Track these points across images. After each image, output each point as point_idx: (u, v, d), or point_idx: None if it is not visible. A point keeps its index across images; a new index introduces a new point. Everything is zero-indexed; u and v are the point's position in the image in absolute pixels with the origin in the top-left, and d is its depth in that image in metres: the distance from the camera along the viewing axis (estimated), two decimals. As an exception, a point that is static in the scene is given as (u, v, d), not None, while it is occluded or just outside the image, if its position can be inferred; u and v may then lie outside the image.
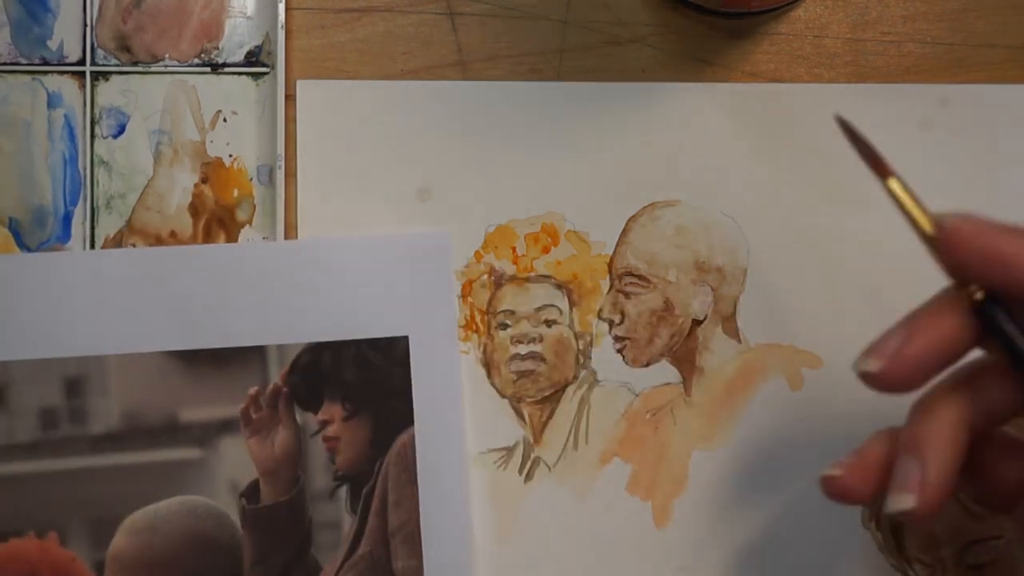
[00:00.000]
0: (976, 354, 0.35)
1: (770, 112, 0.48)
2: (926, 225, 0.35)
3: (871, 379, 0.34)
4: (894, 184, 0.36)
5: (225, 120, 0.47)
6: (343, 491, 0.45)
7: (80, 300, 0.44)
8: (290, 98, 0.47)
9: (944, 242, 0.34)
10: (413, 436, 0.45)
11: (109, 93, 0.47)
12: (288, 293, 0.45)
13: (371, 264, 0.45)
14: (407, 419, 0.45)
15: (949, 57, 0.49)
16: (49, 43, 0.47)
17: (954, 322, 0.34)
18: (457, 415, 0.45)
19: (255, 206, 0.47)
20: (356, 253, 0.45)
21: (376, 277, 0.45)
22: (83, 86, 0.47)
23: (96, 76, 0.47)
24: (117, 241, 0.47)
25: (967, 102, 0.48)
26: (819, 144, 0.48)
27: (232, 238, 0.47)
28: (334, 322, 0.45)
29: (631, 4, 0.48)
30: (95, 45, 0.47)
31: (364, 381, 0.45)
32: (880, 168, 0.36)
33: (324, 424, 0.45)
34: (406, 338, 0.45)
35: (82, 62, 0.47)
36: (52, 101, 0.47)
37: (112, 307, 0.44)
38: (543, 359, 0.47)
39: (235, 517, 0.44)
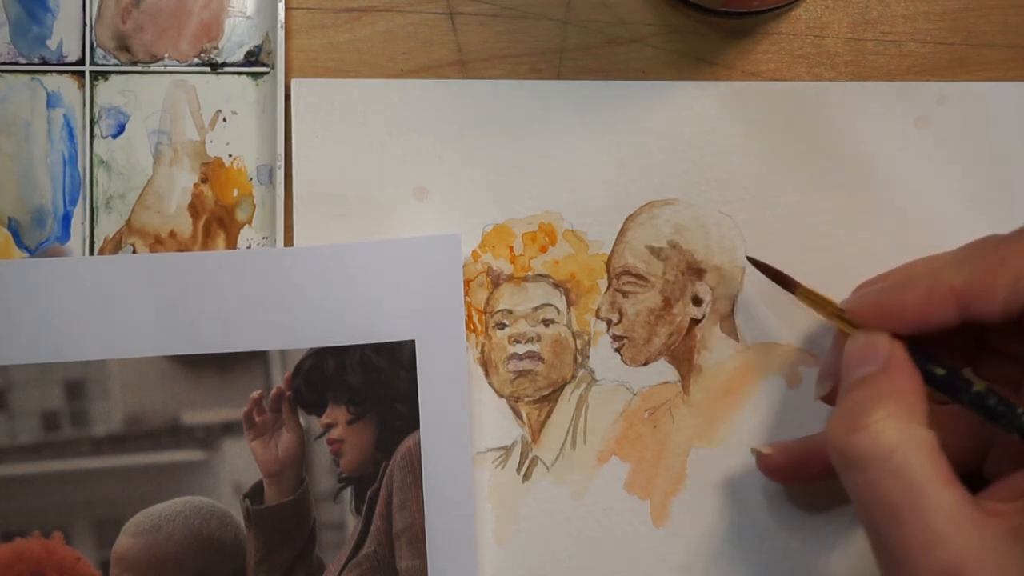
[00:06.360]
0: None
1: (769, 111, 0.48)
2: (840, 324, 0.42)
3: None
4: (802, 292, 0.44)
5: (225, 120, 0.47)
6: (347, 493, 0.45)
7: (82, 305, 0.44)
8: (290, 98, 0.47)
9: (854, 320, 0.41)
10: (419, 439, 0.45)
11: (108, 93, 0.47)
12: (295, 299, 0.45)
13: (379, 268, 0.45)
14: (413, 422, 0.45)
15: (949, 57, 0.49)
16: (48, 43, 0.47)
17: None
18: (463, 418, 0.45)
19: (255, 206, 0.47)
20: (364, 257, 0.45)
21: (384, 281, 0.45)
22: (82, 86, 0.47)
23: (95, 76, 0.47)
24: (117, 241, 0.47)
25: (964, 100, 0.48)
26: (818, 143, 0.48)
27: (232, 238, 0.47)
28: (341, 327, 0.45)
29: (631, 4, 0.48)
30: (94, 45, 0.47)
31: (369, 385, 0.45)
32: (789, 283, 0.45)
33: (328, 427, 0.45)
34: (412, 342, 0.45)
35: (81, 62, 0.47)
36: (51, 101, 0.47)
37: (115, 312, 0.45)
38: (541, 358, 0.47)
39: (239, 518, 0.45)
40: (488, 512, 0.46)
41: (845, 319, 0.42)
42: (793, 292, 0.45)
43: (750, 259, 0.46)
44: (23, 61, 0.47)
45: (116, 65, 0.47)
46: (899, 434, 0.37)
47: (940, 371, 0.39)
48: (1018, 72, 0.49)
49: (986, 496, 0.38)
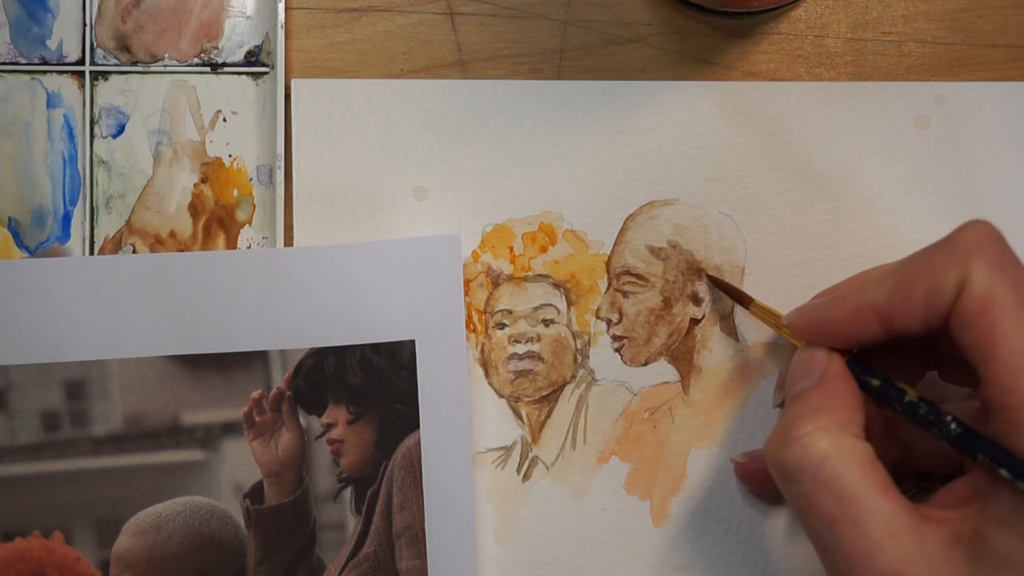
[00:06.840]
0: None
1: (770, 111, 0.48)
2: (790, 338, 0.43)
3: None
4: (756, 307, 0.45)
5: (225, 120, 0.47)
6: (347, 493, 0.45)
7: (82, 305, 0.44)
8: (290, 98, 0.47)
9: (795, 334, 0.42)
10: (419, 439, 0.45)
11: (108, 93, 0.47)
12: (295, 299, 0.45)
13: (379, 268, 0.45)
14: (413, 422, 0.45)
15: (949, 57, 0.49)
16: (48, 43, 0.47)
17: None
18: (463, 418, 0.45)
19: (255, 206, 0.47)
20: (364, 257, 0.45)
21: (384, 281, 0.45)
22: (82, 86, 0.47)
23: (95, 76, 0.47)
24: (116, 241, 0.47)
25: (964, 100, 0.48)
26: (817, 143, 0.48)
27: (232, 238, 0.47)
28: (341, 327, 0.45)
29: (631, 4, 0.48)
30: (94, 45, 0.47)
31: (369, 385, 0.45)
32: (744, 299, 0.46)
33: (328, 427, 0.45)
34: (412, 342, 0.45)
35: (81, 62, 0.47)
36: (51, 101, 0.47)
37: (115, 312, 0.45)
38: (541, 358, 0.47)
39: (239, 518, 0.45)
40: (488, 512, 0.46)
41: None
42: (748, 308, 0.46)
43: (709, 276, 0.47)
44: (23, 61, 0.47)
45: (116, 65, 0.47)
46: (829, 446, 0.37)
47: (875, 382, 0.40)
48: (1018, 72, 0.49)
49: (929, 504, 0.38)
